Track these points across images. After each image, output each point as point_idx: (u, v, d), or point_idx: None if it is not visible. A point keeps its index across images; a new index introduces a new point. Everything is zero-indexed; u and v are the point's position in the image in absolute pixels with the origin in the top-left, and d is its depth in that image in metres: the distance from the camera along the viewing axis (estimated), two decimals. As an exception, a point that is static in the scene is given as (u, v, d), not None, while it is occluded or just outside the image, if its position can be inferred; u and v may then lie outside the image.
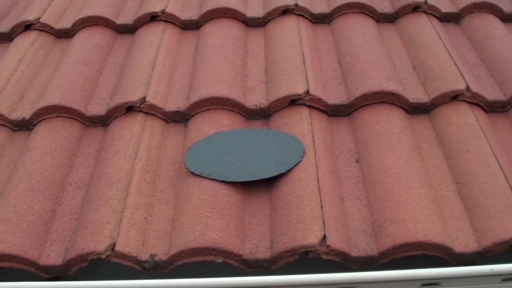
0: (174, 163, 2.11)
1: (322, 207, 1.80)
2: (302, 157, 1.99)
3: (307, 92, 2.22)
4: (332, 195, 1.90)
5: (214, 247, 1.73)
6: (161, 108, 2.26)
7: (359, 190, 1.96)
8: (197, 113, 2.26)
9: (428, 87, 2.30)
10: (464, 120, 2.13)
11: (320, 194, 1.85)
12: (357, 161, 2.07)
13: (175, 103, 2.31)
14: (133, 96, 2.24)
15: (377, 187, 1.91)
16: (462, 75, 2.27)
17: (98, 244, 1.73)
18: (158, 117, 2.27)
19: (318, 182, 1.90)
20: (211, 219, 1.80)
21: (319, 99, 2.22)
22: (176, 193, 1.98)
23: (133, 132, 2.14)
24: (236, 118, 2.24)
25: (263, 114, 2.28)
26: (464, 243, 1.75)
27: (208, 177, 1.94)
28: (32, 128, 2.28)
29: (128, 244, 1.76)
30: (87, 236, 1.77)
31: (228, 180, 1.93)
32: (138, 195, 1.92)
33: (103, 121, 2.30)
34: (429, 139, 2.16)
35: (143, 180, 1.98)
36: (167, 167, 2.09)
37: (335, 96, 2.30)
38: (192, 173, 1.97)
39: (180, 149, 2.16)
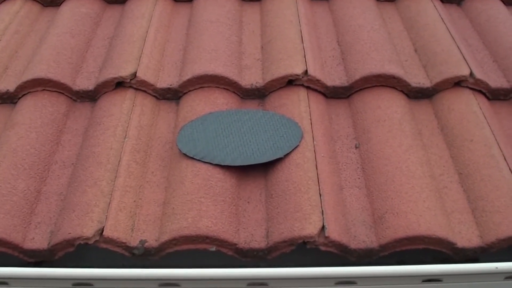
0: (165, 143, 2.01)
1: (320, 195, 1.73)
2: (300, 141, 1.91)
3: (306, 72, 2.13)
4: (330, 183, 1.82)
5: (207, 235, 1.65)
6: (152, 85, 2.15)
7: (359, 178, 1.89)
8: (190, 90, 2.16)
9: (430, 71, 2.22)
10: (467, 108, 2.06)
11: (318, 181, 1.78)
12: (356, 147, 1.99)
13: (167, 79, 2.21)
14: (123, 71, 2.13)
15: (378, 176, 1.84)
16: (465, 60, 2.20)
17: (86, 228, 1.65)
18: (149, 93, 2.17)
19: (317, 168, 1.83)
20: (205, 205, 1.72)
21: (318, 80, 2.14)
22: (167, 175, 1.89)
23: (122, 109, 2.04)
24: (230, 98, 2.14)
25: (258, 94, 2.19)
26: (467, 237, 1.69)
27: (202, 160, 1.85)
28: (17, 102, 2.17)
29: (117, 229, 1.67)
30: (74, 219, 1.68)
31: (223, 164, 1.84)
32: (128, 177, 1.83)
33: (91, 96, 2.19)
34: (431, 126, 2.09)
35: (133, 161, 1.89)
36: (158, 148, 2.00)
37: (334, 78, 2.22)
38: (185, 155, 1.88)
39: (171, 128, 2.07)
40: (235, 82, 2.15)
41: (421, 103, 2.18)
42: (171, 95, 2.18)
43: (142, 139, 1.99)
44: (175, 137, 1.97)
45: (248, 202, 1.82)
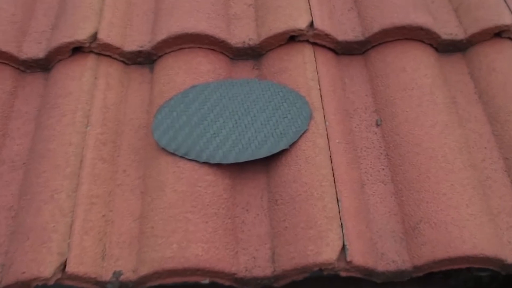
0: (139, 127, 1.61)
1: (338, 200, 1.37)
2: (308, 123, 1.51)
3: (311, 24, 1.68)
4: (349, 180, 1.45)
5: (198, 267, 1.30)
6: (118, 48, 1.70)
7: (383, 169, 1.52)
8: (166, 53, 1.71)
9: (463, 18, 1.78)
10: (512, 68, 1.65)
11: (335, 181, 1.41)
12: (377, 124, 1.60)
13: (137, 38, 1.75)
14: (81, 32, 1.67)
15: (407, 168, 1.47)
16: (507, 4, 1.75)
17: (43, 266, 1.29)
18: (115, 59, 1.72)
19: (331, 161, 1.45)
20: (193, 223, 1.36)
21: (327, 35, 1.70)
22: (143, 175, 1.51)
23: (82, 85, 1.61)
24: (218, 61, 1.70)
25: (252, 54, 1.75)
26: (520, 250, 1.36)
27: (185, 156, 1.46)
28: None
29: (83, 261, 1.32)
30: (28, 252, 1.32)
31: (212, 162, 1.45)
32: (94, 182, 1.44)
33: (43, 66, 1.74)
34: (466, 90, 1.69)
35: (99, 159, 1.49)
36: (130, 135, 1.59)
37: (346, 29, 1.77)
38: (164, 150, 1.48)
39: (146, 106, 1.65)
40: (223, 41, 1.70)
41: (453, 58, 1.77)
42: (143, 59, 1.74)
43: (109, 124, 1.57)
44: (151, 119, 1.56)
45: (247, 210, 1.45)
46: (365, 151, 1.55)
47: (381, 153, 1.55)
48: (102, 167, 1.48)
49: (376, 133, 1.59)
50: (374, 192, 1.48)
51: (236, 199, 1.46)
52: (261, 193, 1.48)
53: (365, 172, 1.51)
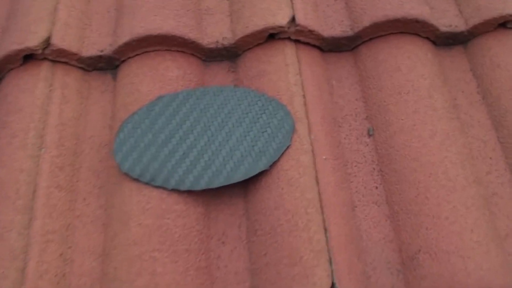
0: (100, 146, 1.43)
1: (326, 230, 1.20)
2: (291, 138, 1.33)
3: (293, 19, 1.48)
4: (338, 203, 1.28)
5: (167, 316, 1.14)
6: (75, 53, 1.50)
7: (376, 187, 1.35)
8: (129, 57, 1.52)
9: (464, 7, 1.58)
10: (521, 63, 1.47)
11: (321, 206, 1.24)
12: (369, 134, 1.43)
13: (97, 40, 1.55)
14: (32, 37, 1.47)
15: (403, 187, 1.30)
16: (514, -14, 1.55)
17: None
18: (73, 65, 1.52)
19: (318, 182, 1.28)
20: (160, 263, 1.19)
21: (311, 31, 1.50)
22: (105, 204, 1.33)
23: (35, 98, 1.42)
24: (188, 65, 1.51)
25: (227, 55, 1.55)
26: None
27: (151, 183, 1.28)
28: None
29: (37, 312, 1.15)
30: (-29, 304, 1.15)
31: (182, 189, 1.28)
32: (49, 215, 1.27)
33: (-9, 75, 1.54)
34: (468, 90, 1.51)
35: (55, 186, 1.32)
36: (91, 155, 1.41)
37: (333, 22, 1.57)
38: (127, 175, 1.30)
39: (108, 120, 1.47)
40: (193, 42, 1.50)
41: (453, 53, 1.58)
42: (104, 64, 1.54)
43: (67, 144, 1.39)
44: (114, 136, 1.38)
45: (223, 242, 1.28)
46: (355, 166, 1.38)
47: (374, 169, 1.37)
48: (59, 196, 1.31)
49: (368, 145, 1.41)
50: (366, 216, 1.31)
51: (210, 229, 1.29)
52: (239, 221, 1.31)
53: (356, 191, 1.34)
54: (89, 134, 1.44)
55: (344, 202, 1.30)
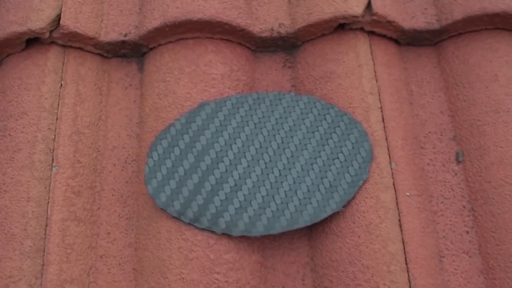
0: (126, 162, 1.15)
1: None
2: (369, 167, 1.06)
3: (368, 6, 1.17)
4: (425, 256, 1.04)
5: None
6: (92, 38, 1.18)
7: (467, 232, 1.10)
8: (160, 44, 1.20)
9: None
10: None
11: (407, 261, 1.00)
12: (458, 160, 1.16)
13: (119, 21, 1.23)
14: (37, 16, 1.14)
15: (502, 237, 1.06)
16: None
17: None
18: (89, 51, 1.20)
19: (402, 229, 1.02)
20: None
21: (390, 22, 1.19)
22: (136, 241, 1.07)
23: (43, 98, 1.12)
24: (235, 58, 1.20)
25: (284, 45, 1.24)
26: None
27: (195, 224, 1.01)
28: None
29: None
30: None
31: (235, 234, 1.01)
32: (66, 258, 1.02)
33: (-13, 61, 1.22)
34: None
35: (73, 218, 1.05)
36: (115, 174, 1.14)
37: (414, 10, 1.26)
38: (163, 211, 1.03)
39: (134, 127, 1.20)
40: (243, 29, 1.18)
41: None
42: (129, 51, 1.23)
43: (84, 160, 1.11)
44: (143, 148, 1.09)
45: (284, 300, 1.04)
46: (442, 202, 1.12)
47: (464, 207, 1.12)
48: (77, 232, 1.04)
49: (456, 174, 1.14)
50: (456, 269, 1.07)
51: (267, 283, 1.04)
52: (302, 271, 1.06)
53: (444, 237, 1.09)
54: (112, 145, 1.15)
55: (431, 253, 1.05)
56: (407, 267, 1.00)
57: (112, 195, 1.10)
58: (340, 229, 1.03)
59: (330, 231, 1.04)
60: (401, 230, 1.02)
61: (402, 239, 1.02)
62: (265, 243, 1.06)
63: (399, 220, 1.03)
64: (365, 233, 1.01)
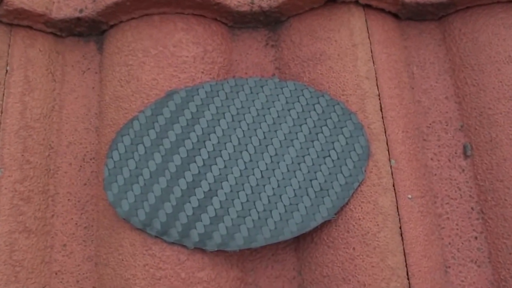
0: (83, 159, 0.99)
1: (413, 314, 0.84)
2: (365, 168, 0.91)
3: (363, -27, 1.01)
4: (429, 268, 0.90)
5: None
6: (42, 14, 1.01)
7: (475, 237, 0.97)
8: (122, 22, 1.03)
9: None
10: None
11: (409, 276, 0.87)
12: (466, 155, 1.01)
13: (74, -6, 1.05)
14: (-28, -11, 0.96)
15: (517, 244, 0.92)
16: None
17: None
18: (39, 29, 1.03)
19: (403, 238, 0.88)
20: None
21: (388, -7, 1.03)
22: (96, 254, 0.92)
23: (-16, 87, 0.95)
24: (210, 38, 1.04)
25: (266, 21, 1.08)
26: None
27: (163, 238, 0.87)
28: None
29: None
30: None
31: (210, 249, 0.87)
32: (14, 279, 0.86)
33: None
34: None
35: (21, 230, 0.91)
36: (70, 175, 0.98)
37: (416, -22, 1.09)
38: (125, 221, 0.88)
39: (93, 118, 1.04)
40: (218, 2, 1.02)
41: None
42: (85, 28, 1.05)
43: (34, 159, 0.95)
44: (103, 144, 0.94)
45: (267, 322, 0.90)
46: (447, 203, 0.98)
47: (472, 208, 0.98)
48: (27, 245, 0.89)
49: (463, 171, 1.00)
50: (463, 281, 0.94)
51: (248, 299, 0.91)
52: (287, 287, 0.92)
53: (449, 243, 0.96)
54: (67, 141, 0.99)
55: (435, 264, 0.92)
56: (409, 283, 0.86)
57: (68, 200, 0.95)
58: (332, 239, 0.89)
59: (320, 241, 0.90)
60: (402, 240, 0.89)
61: (403, 250, 0.88)
62: (245, 254, 0.92)
63: (400, 228, 0.89)
64: (361, 245, 0.88)
